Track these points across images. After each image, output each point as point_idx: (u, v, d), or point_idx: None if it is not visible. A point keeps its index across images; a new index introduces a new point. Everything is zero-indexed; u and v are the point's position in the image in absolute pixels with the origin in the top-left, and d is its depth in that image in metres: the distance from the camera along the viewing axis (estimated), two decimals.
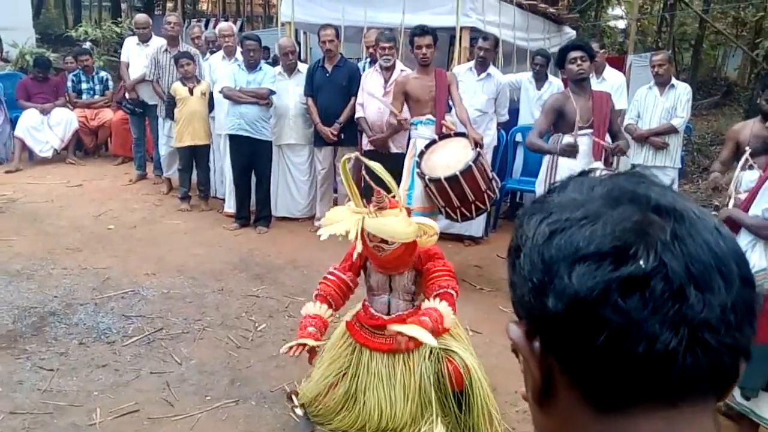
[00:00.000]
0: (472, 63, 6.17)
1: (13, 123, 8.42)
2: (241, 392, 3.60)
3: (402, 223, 2.85)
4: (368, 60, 6.56)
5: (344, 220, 2.90)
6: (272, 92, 6.16)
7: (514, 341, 0.63)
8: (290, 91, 6.32)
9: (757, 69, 13.69)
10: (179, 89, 6.60)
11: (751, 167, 4.34)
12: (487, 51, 5.99)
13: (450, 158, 4.79)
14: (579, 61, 4.67)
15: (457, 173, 4.61)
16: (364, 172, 3.70)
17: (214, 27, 9.60)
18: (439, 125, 5.15)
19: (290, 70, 6.32)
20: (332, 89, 6.07)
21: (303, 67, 6.40)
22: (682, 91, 6.04)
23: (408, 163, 5.19)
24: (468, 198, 4.71)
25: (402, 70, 5.81)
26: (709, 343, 0.54)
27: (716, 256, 0.56)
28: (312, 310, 3.19)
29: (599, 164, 4.63)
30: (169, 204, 7.02)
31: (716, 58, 19.40)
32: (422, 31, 5.24)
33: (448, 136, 5.03)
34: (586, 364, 0.56)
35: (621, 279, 0.53)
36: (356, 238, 2.88)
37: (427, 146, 4.97)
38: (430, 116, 5.22)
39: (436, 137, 5.05)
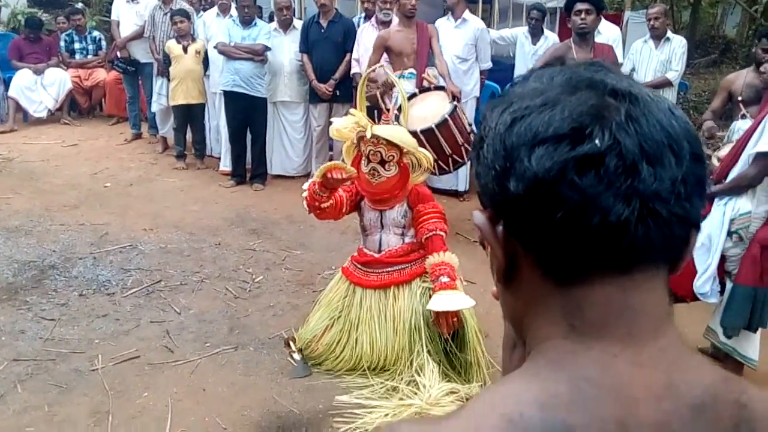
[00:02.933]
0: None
1: (7, 83, 8.37)
2: (240, 339, 3.67)
3: (406, 133, 3.05)
4: (363, 15, 6.51)
5: (350, 120, 3.07)
6: (267, 48, 6.13)
7: (479, 227, 0.67)
8: (285, 48, 6.29)
9: (755, 26, 13.57)
10: (173, 47, 6.56)
11: (743, 116, 4.37)
12: None
13: (427, 111, 4.80)
14: (583, 14, 4.64)
15: (433, 126, 4.64)
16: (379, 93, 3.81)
17: None
18: (419, 78, 5.16)
19: (285, 26, 6.28)
20: (327, 45, 6.05)
21: (298, 24, 6.36)
22: (677, 44, 6.02)
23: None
24: (445, 151, 4.74)
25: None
26: (659, 213, 0.58)
27: (668, 134, 0.59)
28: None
29: None
30: (165, 162, 7.03)
31: (715, 16, 19.19)
32: None
33: (428, 89, 5.04)
34: (545, 241, 0.60)
35: (577, 158, 0.57)
36: (359, 146, 3.04)
37: (408, 99, 4.97)
38: (412, 70, 5.23)
39: (417, 91, 5.05)
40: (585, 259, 0.59)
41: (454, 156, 4.82)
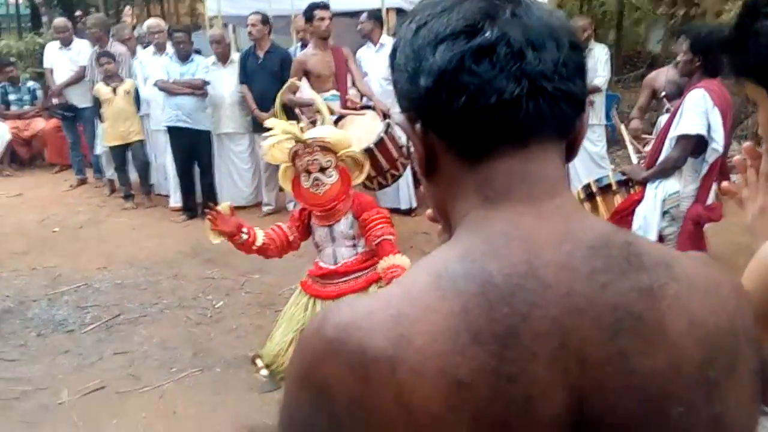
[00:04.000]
0: (366, 42, 6.35)
1: None
2: (206, 362, 3.70)
3: (338, 131, 3.10)
4: (299, 45, 6.67)
5: (285, 129, 3.10)
6: (206, 82, 6.22)
7: (400, 125, 0.78)
8: (225, 81, 6.37)
9: (675, 39, 14.25)
10: (102, 89, 6.60)
11: (668, 111, 4.66)
12: (363, 24, 6.17)
13: (361, 131, 4.91)
14: None
15: (371, 146, 4.72)
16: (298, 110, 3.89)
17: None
18: (343, 100, 5.33)
19: (223, 59, 6.39)
20: (265, 75, 6.12)
21: (236, 57, 6.47)
22: (599, 52, 6.38)
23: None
24: (383, 167, 4.87)
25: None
26: (546, 89, 0.68)
27: (549, 26, 0.70)
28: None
29: None
30: (113, 204, 6.98)
31: (639, 34, 20.13)
32: (324, 4, 5.51)
33: (355, 109, 5.20)
34: (454, 125, 0.70)
35: (473, 48, 0.67)
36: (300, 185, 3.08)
37: (335, 122, 5.09)
38: (334, 91, 5.39)
39: (341, 113, 5.18)
40: (488, 136, 0.70)
41: (392, 171, 4.96)
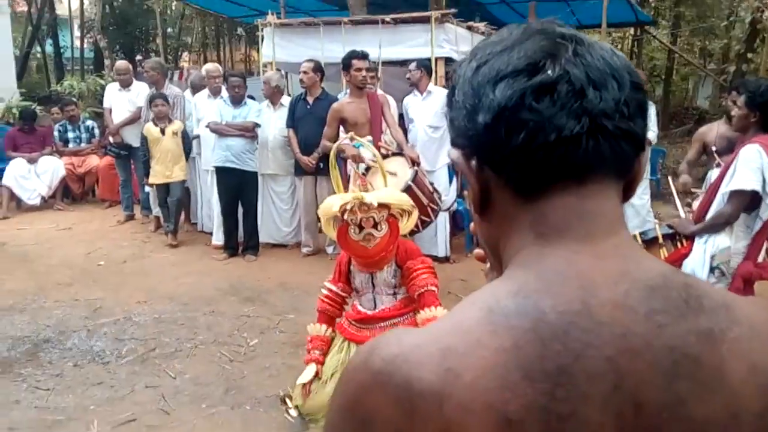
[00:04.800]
0: (413, 90, 6.44)
1: (0, 173, 8.53)
2: (236, 399, 3.66)
3: (395, 190, 3.10)
4: (347, 91, 6.77)
5: (340, 198, 3.12)
6: (257, 125, 6.35)
7: (454, 161, 0.77)
8: (272, 123, 6.50)
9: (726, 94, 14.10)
10: (151, 129, 6.79)
11: (718, 165, 4.55)
12: (412, 73, 6.27)
13: (390, 179, 4.93)
14: None
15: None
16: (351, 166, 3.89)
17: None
18: (377, 146, 5.36)
19: (272, 100, 6.52)
20: (312, 121, 6.21)
21: (286, 101, 6.59)
22: (650, 110, 6.31)
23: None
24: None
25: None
26: (606, 127, 0.67)
27: (611, 66, 0.70)
28: (314, 332, 3.40)
29: None
30: (158, 240, 7.10)
31: (686, 90, 19.96)
32: (362, 54, 5.58)
33: (387, 156, 5.22)
34: (512, 161, 0.69)
35: (533, 86, 0.67)
36: (346, 236, 3.07)
37: (366, 170, 5.13)
38: (369, 137, 5.44)
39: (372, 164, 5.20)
40: (546, 173, 0.69)
41: (422, 216, 4.94)
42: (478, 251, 1.01)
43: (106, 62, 15.63)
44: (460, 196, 6.48)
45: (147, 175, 6.98)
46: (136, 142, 7.57)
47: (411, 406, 0.62)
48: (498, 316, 0.64)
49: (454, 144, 0.78)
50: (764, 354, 0.65)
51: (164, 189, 6.90)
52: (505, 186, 0.72)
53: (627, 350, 0.62)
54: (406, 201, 3.16)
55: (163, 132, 6.75)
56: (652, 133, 6.25)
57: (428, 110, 6.20)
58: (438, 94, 6.24)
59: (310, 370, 3.32)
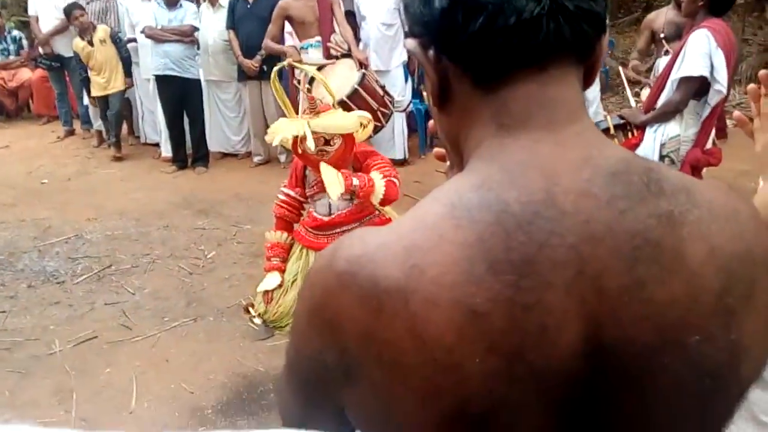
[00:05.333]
0: None
1: None
2: (198, 311, 3.67)
3: (344, 117, 2.98)
4: None
5: (288, 127, 2.99)
6: (196, 29, 6.04)
7: (412, 51, 0.73)
8: (211, 26, 6.16)
9: None
10: (78, 44, 6.38)
11: (667, 53, 4.55)
12: None
13: (338, 82, 4.68)
14: None
15: (344, 98, 4.51)
16: (295, 81, 3.74)
17: None
18: (325, 47, 5.18)
19: (212, 2, 6.18)
20: (254, 21, 5.89)
21: (224, 2, 6.25)
22: None
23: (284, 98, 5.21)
24: None
25: None
26: (567, 7, 0.64)
27: None
28: (272, 239, 3.32)
29: None
30: (102, 156, 6.88)
31: None
32: None
33: (336, 57, 5.04)
34: (471, 48, 0.66)
35: None
36: (299, 147, 2.96)
37: (311, 81, 4.88)
38: (318, 38, 5.25)
39: (324, 62, 5.02)
40: (506, 59, 0.66)
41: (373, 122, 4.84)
42: (437, 150, 0.99)
43: None
44: (415, 96, 6.36)
45: (89, 92, 6.63)
46: (68, 52, 7.16)
47: (378, 303, 0.61)
48: (461, 210, 0.63)
49: (409, 33, 0.74)
50: (723, 236, 0.66)
51: (104, 101, 6.58)
52: (463, 76, 0.69)
53: (590, 237, 0.62)
54: (351, 125, 3.04)
55: (91, 43, 6.32)
56: None
57: (381, 6, 5.92)
58: None
59: (274, 278, 3.31)
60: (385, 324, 0.61)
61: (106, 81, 6.45)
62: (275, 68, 3.03)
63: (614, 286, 0.62)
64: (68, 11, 6.32)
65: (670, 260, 0.63)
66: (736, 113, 1.28)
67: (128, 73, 6.67)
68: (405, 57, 6.12)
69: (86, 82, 6.60)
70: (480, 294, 0.60)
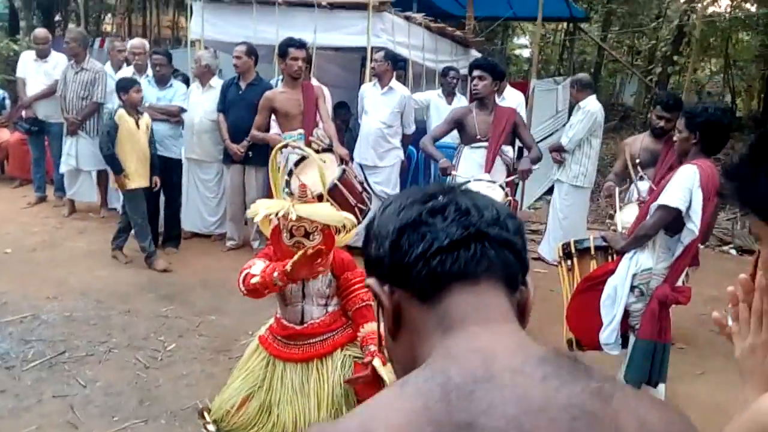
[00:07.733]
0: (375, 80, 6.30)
1: None
2: (150, 412, 3.49)
3: (330, 209, 2.95)
4: (280, 78, 6.56)
5: (273, 205, 2.94)
6: (183, 110, 6.06)
7: (371, 286, 0.91)
8: (199, 105, 6.20)
9: (651, 94, 14.58)
10: (126, 119, 5.48)
11: (641, 178, 4.63)
12: (378, 64, 6.09)
13: (317, 176, 4.72)
14: (476, 80, 4.87)
15: (322, 192, 4.54)
16: (292, 166, 3.74)
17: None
18: (308, 140, 5.23)
19: (201, 81, 6.22)
20: (244, 106, 5.96)
21: (215, 83, 6.30)
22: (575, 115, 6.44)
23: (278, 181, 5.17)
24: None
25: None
26: (488, 234, 0.84)
27: (491, 201, 0.91)
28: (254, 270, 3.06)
29: (487, 176, 4.73)
30: (71, 226, 6.73)
31: (614, 86, 20.53)
32: (300, 43, 5.43)
33: (317, 152, 5.06)
34: (414, 270, 0.84)
35: (428, 209, 0.87)
36: (284, 221, 2.87)
37: (296, 164, 4.83)
38: (301, 131, 5.29)
39: (305, 154, 5.01)
40: (444, 275, 0.83)
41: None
42: (383, 357, 1.23)
43: (22, 24, 14.62)
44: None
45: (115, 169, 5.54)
46: (51, 118, 7.14)
47: None
48: (410, 386, 0.76)
49: (369, 273, 0.92)
50: (651, 412, 0.75)
51: (143, 195, 5.67)
52: (412, 298, 0.85)
53: (528, 409, 0.71)
54: (337, 219, 3.00)
55: (137, 124, 5.55)
56: (567, 138, 6.34)
57: (386, 106, 6.08)
58: (399, 91, 6.14)
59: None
60: None
61: (146, 171, 5.65)
62: (275, 148, 3.04)
63: None
64: (128, 86, 5.52)
65: (607, 430, 0.71)
66: (715, 314, 1.26)
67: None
68: (401, 156, 6.23)
69: (110, 159, 5.53)
70: None
